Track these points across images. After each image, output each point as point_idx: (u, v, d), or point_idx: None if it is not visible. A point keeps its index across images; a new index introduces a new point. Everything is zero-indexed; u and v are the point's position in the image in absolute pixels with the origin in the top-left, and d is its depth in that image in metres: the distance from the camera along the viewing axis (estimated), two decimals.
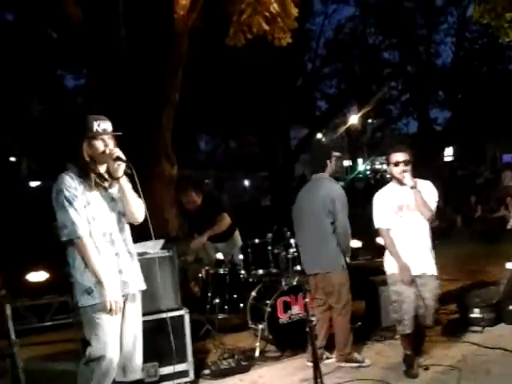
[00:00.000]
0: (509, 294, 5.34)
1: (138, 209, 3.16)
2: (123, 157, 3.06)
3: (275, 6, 6.10)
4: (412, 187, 4.09)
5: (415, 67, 23.29)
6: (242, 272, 5.28)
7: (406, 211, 4.17)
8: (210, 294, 5.12)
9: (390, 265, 4.28)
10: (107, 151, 3.03)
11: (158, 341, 4.04)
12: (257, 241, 5.35)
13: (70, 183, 3.02)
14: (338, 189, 4.52)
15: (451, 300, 5.94)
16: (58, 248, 3.13)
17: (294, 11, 6.39)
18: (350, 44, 20.77)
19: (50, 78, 15.74)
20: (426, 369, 4.27)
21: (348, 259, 4.60)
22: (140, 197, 3.21)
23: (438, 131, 25.75)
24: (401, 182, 4.17)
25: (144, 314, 3.97)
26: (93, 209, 3.03)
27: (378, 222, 4.27)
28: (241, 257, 5.51)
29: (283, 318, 4.91)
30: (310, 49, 20.51)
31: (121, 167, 3.04)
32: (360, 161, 29.86)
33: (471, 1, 20.80)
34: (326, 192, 4.46)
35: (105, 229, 3.06)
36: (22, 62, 13.13)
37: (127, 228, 3.22)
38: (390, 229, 4.22)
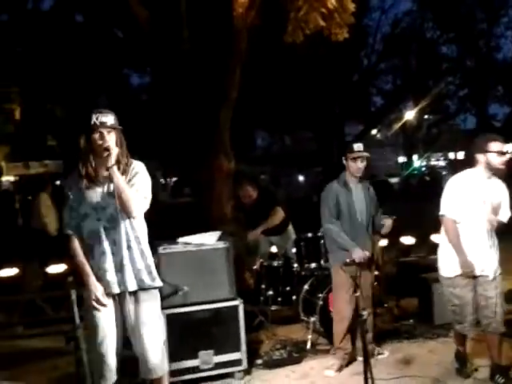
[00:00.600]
0: None
1: (128, 202, 2.94)
2: (111, 148, 2.94)
3: (332, 1, 5.99)
4: None
5: (474, 62, 22.40)
6: (295, 265, 5.25)
7: (487, 207, 3.80)
8: (263, 286, 5.14)
9: (448, 266, 3.89)
10: (102, 143, 2.96)
11: (213, 330, 4.08)
12: (309, 235, 5.29)
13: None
14: (325, 188, 4.50)
15: (511, 299, 5.68)
16: None
17: (351, 6, 6.26)
18: (407, 39, 20.21)
19: (116, 75, 16.22)
20: (476, 370, 4.10)
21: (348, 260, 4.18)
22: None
23: (498, 127, 24.70)
24: (492, 174, 3.83)
25: (201, 303, 4.07)
26: (87, 206, 2.98)
27: (447, 209, 3.85)
28: (294, 250, 5.48)
29: None
30: (366, 44, 20.14)
31: (110, 158, 2.93)
32: (415, 157, 29.09)
33: None
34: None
35: (95, 226, 2.98)
36: (91, 60, 13.56)
37: (130, 223, 3.03)
38: (457, 221, 3.82)
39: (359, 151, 4.44)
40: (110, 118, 3.02)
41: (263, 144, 26.36)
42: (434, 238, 6.94)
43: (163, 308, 3.97)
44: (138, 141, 16.54)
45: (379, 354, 4.51)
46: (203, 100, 7.16)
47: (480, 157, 3.82)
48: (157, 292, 3.13)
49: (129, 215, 2.99)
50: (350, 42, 6.97)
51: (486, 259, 3.81)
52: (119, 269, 2.99)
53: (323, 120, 18.65)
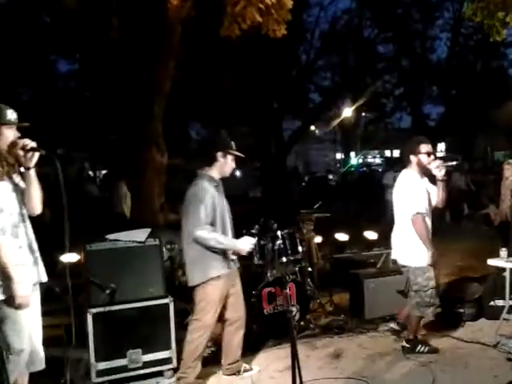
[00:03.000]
0: (490, 290, 5.45)
1: (40, 201, 3.08)
2: (34, 145, 2.97)
3: None
4: (442, 180, 4.38)
5: (410, 62, 23.31)
6: None
7: (430, 202, 4.43)
8: None
9: (420, 257, 4.37)
10: (18, 141, 2.96)
11: (142, 328, 4.10)
12: (244, 232, 5.36)
13: None
14: (195, 185, 3.98)
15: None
16: None
17: (289, 3, 6.40)
18: (345, 37, 20.72)
19: (42, 62, 15.65)
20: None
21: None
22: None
23: (431, 126, 25.86)
24: (424, 174, 4.42)
25: (129, 302, 4.08)
26: (1, 199, 2.94)
27: (419, 207, 4.30)
28: None
29: (267, 308, 4.97)
30: (305, 40, 20.47)
31: (34, 158, 2.96)
32: (353, 154, 29.95)
33: None
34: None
35: (11, 221, 2.97)
36: (15, 46, 13.02)
37: (28, 220, 3.10)
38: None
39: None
40: (16, 115, 3.01)
41: (199, 138, 26.24)
42: (367, 234, 7.27)
43: (90, 306, 3.98)
44: (66, 130, 16.00)
45: (245, 370, 4.31)
46: (135, 91, 7.11)
47: (412, 158, 4.39)
48: None
49: (34, 213, 3.12)
50: (288, 37, 7.11)
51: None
52: (32, 262, 3.08)
53: (261, 115, 18.81)
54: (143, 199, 7.18)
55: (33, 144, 2.96)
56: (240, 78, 15.43)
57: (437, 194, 4.45)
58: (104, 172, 29.39)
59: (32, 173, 2.99)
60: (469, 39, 23.05)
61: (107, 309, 4.01)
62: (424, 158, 4.37)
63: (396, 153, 33.62)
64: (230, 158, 4.03)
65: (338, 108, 24.29)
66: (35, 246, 3.10)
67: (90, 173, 28.33)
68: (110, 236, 4.22)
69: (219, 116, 16.43)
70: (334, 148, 35.23)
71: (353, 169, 28.39)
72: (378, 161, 36.47)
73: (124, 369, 4.01)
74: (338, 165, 33.96)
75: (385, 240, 7.34)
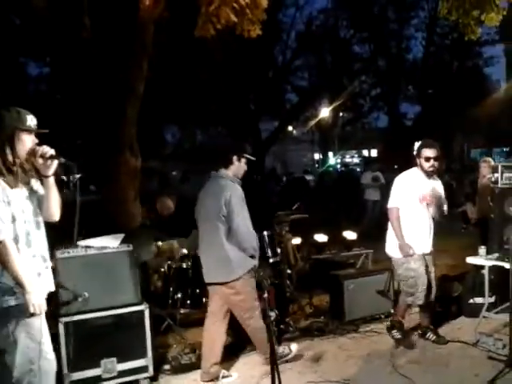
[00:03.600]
0: (469, 288, 5.48)
1: (58, 208, 3.08)
2: (54, 153, 2.95)
3: None
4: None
5: (386, 62, 23.50)
6: None
7: (428, 200, 4.65)
8: (171, 289, 5.10)
9: (396, 248, 4.63)
10: (37, 149, 2.92)
11: (117, 336, 4.01)
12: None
13: None
14: (228, 185, 4.14)
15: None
16: None
17: (264, 2, 6.33)
18: (322, 37, 20.80)
19: (12, 65, 15.39)
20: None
21: None
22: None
23: (408, 126, 26.11)
24: (427, 175, 4.67)
25: (103, 310, 3.98)
26: (14, 208, 2.86)
27: (396, 200, 4.62)
28: None
29: None
30: (281, 41, 20.48)
31: (53, 165, 2.95)
32: (330, 154, 30.08)
33: None
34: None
35: (24, 229, 2.90)
36: None
37: (43, 228, 3.05)
38: (400, 208, 4.59)
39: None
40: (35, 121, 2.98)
41: (174, 140, 26.06)
42: (346, 234, 7.26)
43: (61, 316, 3.87)
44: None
45: (224, 377, 4.23)
46: (108, 93, 6.98)
47: (417, 160, 4.70)
48: None
49: (53, 220, 3.09)
50: (264, 37, 7.06)
51: (429, 240, 4.73)
52: (45, 271, 3.02)
53: (238, 116, 18.75)
54: (117, 203, 7.04)
55: (52, 152, 2.93)
56: (216, 79, 15.36)
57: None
58: (78, 176, 29.09)
59: (51, 180, 3.00)
60: (444, 38, 23.34)
61: (79, 317, 3.90)
62: (423, 162, 4.64)
63: (374, 152, 33.95)
64: (243, 161, 4.24)
65: (316, 108, 24.36)
66: (47, 254, 3.05)
67: (63, 177, 27.97)
68: (81, 242, 4.11)
69: (196, 117, 16.36)
70: (312, 148, 35.37)
71: (331, 169, 28.49)
72: (356, 160, 36.82)
73: (98, 379, 3.90)
74: (317, 165, 34.05)
75: (364, 240, 7.40)
